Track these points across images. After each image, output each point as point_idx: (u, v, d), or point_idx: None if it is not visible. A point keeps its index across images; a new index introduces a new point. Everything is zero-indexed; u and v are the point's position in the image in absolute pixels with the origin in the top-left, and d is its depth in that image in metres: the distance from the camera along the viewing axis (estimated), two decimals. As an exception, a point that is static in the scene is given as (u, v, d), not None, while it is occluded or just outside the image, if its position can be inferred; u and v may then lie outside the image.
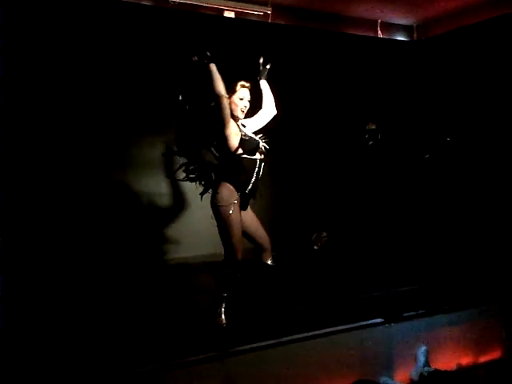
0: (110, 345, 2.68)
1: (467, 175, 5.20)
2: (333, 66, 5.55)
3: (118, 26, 4.59)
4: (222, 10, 5.20)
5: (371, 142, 5.01)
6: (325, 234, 4.88)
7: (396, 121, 5.65)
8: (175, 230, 4.81)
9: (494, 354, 3.31)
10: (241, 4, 5.17)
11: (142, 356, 2.50)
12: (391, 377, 2.99)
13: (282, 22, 5.41)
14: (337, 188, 5.33)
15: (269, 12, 5.26)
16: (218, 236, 2.95)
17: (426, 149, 5.48)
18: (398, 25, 6.28)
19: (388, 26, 6.19)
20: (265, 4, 5.22)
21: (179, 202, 4.87)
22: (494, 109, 5.11)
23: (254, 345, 2.64)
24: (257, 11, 5.25)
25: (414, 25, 6.30)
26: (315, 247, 4.70)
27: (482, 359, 3.25)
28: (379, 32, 6.11)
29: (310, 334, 2.82)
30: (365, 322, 3.02)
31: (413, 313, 3.18)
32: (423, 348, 3.08)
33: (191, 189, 4.85)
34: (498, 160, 5.01)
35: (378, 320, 3.05)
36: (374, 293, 3.49)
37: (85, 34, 4.42)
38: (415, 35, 6.32)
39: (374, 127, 5.29)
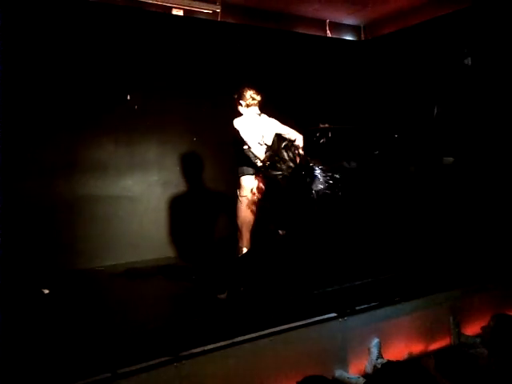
0: (49, 355, 2.55)
1: (415, 169, 5.37)
2: (282, 65, 5.58)
3: (67, 23, 4.42)
4: (171, 8, 5.12)
5: (322, 140, 5.06)
6: (281, 231, 4.88)
7: (346, 119, 5.75)
8: (125, 232, 4.68)
9: (444, 342, 3.42)
10: (189, 2, 5.11)
11: (86, 365, 2.37)
12: (346, 370, 3.01)
13: (231, 21, 5.39)
14: (290, 185, 5.36)
15: (218, 10, 5.24)
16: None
17: (376, 145, 5.61)
18: (346, 25, 6.42)
19: (336, 26, 6.31)
20: (214, 2, 5.19)
21: (128, 205, 4.75)
22: (440, 106, 5.30)
23: (207, 346, 2.58)
24: (206, 9, 5.22)
25: (362, 25, 6.46)
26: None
27: (432, 347, 3.35)
28: (328, 31, 6.21)
29: (265, 332, 2.80)
30: (319, 318, 3.03)
31: (365, 306, 3.22)
32: (376, 340, 3.12)
33: (140, 191, 4.85)
34: (444, 154, 5.20)
35: (332, 315, 3.07)
36: (328, 288, 3.52)
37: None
38: (362, 35, 6.48)
39: (326, 125, 5.35)
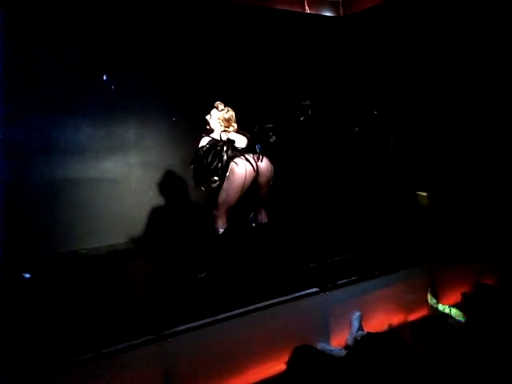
0: (31, 337, 2.56)
1: (393, 146, 5.43)
2: (260, 41, 5.51)
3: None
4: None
5: (302, 118, 5.06)
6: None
7: (325, 96, 5.75)
8: (107, 214, 4.66)
9: (422, 312, 3.52)
10: (164, -22, 4.97)
11: (68, 346, 2.38)
12: (328, 342, 3.09)
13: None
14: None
15: (195, -13, 5.11)
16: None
17: (355, 122, 5.65)
18: (325, 0, 6.33)
19: (315, 2, 6.22)
20: (190, -22, 5.06)
21: (109, 187, 4.71)
22: (418, 82, 5.32)
23: (191, 324, 2.61)
24: (182, -14, 5.08)
25: (340, 0, 6.38)
26: (253, 224, 4.71)
27: (411, 318, 3.45)
28: (306, 7, 6.13)
29: (248, 308, 2.84)
30: (301, 293, 3.08)
31: (346, 280, 3.28)
32: (357, 314, 3.20)
33: (120, 173, 4.80)
34: (422, 130, 5.26)
35: (314, 289, 3.12)
36: (310, 264, 3.57)
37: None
38: (341, 10, 6.41)
39: (307, 103, 5.34)
